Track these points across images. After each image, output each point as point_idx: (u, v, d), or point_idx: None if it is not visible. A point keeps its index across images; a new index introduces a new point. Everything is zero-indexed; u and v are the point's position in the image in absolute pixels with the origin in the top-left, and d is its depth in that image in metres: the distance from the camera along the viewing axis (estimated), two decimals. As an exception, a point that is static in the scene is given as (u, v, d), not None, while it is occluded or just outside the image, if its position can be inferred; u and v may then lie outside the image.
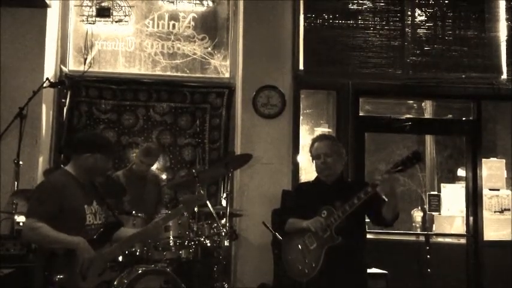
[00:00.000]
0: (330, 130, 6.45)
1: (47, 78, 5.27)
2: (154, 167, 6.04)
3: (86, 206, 3.34)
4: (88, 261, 3.16)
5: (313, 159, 3.74)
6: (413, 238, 6.50)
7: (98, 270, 3.24)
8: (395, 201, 3.40)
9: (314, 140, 3.79)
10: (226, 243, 4.56)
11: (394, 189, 3.37)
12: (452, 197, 6.56)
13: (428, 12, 6.39)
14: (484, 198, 6.32)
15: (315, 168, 3.74)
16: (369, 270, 4.40)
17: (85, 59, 6.23)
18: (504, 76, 6.30)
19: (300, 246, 3.56)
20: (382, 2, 6.33)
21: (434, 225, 6.70)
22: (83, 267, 3.14)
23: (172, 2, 6.43)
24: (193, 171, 4.94)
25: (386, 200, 3.40)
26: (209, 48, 6.50)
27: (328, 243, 3.43)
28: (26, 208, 3.44)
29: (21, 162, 4.97)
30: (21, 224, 4.57)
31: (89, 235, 3.26)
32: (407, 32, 6.32)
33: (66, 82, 5.95)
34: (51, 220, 3.16)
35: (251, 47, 6.10)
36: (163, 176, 6.08)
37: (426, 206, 6.61)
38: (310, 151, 3.75)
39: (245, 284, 5.66)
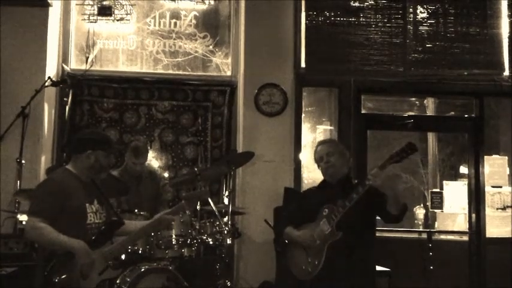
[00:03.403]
0: (331, 128, 6.45)
1: (49, 77, 5.29)
2: (156, 165, 6.06)
3: (87, 205, 3.35)
4: (87, 265, 3.16)
5: (318, 165, 3.78)
6: (415, 235, 6.49)
7: (99, 269, 3.24)
8: (396, 194, 3.37)
9: (317, 145, 3.86)
10: (228, 241, 4.55)
11: (393, 184, 3.37)
12: (455, 194, 6.56)
13: (430, 9, 6.38)
14: (487, 195, 6.31)
15: (321, 173, 3.79)
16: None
17: (87, 58, 6.23)
18: (506, 73, 6.30)
19: (303, 245, 3.61)
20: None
21: (436, 223, 6.70)
22: (82, 270, 3.14)
23: (174, 0, 6.40)
24: (196, 169, 4.92)
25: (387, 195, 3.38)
26: (211, 47, 6.49)
27: (330, 239, 3.47)
28: (29, 206, 3.44)
29: (23, 161, 5.00)
30: (23, 223, 4.59)
31: (89, 234, 3.26)
32: (409, 29, 6.32)
33: (68, 81, 5.99)
34: (52, 219, 3.17)
35: (253, 44, 6.09)
36: (165, 175, 6.08)
37: (428, 204, 6.63)
38: (315, 157, 3.79)
39: (248, 282, 5.66)
